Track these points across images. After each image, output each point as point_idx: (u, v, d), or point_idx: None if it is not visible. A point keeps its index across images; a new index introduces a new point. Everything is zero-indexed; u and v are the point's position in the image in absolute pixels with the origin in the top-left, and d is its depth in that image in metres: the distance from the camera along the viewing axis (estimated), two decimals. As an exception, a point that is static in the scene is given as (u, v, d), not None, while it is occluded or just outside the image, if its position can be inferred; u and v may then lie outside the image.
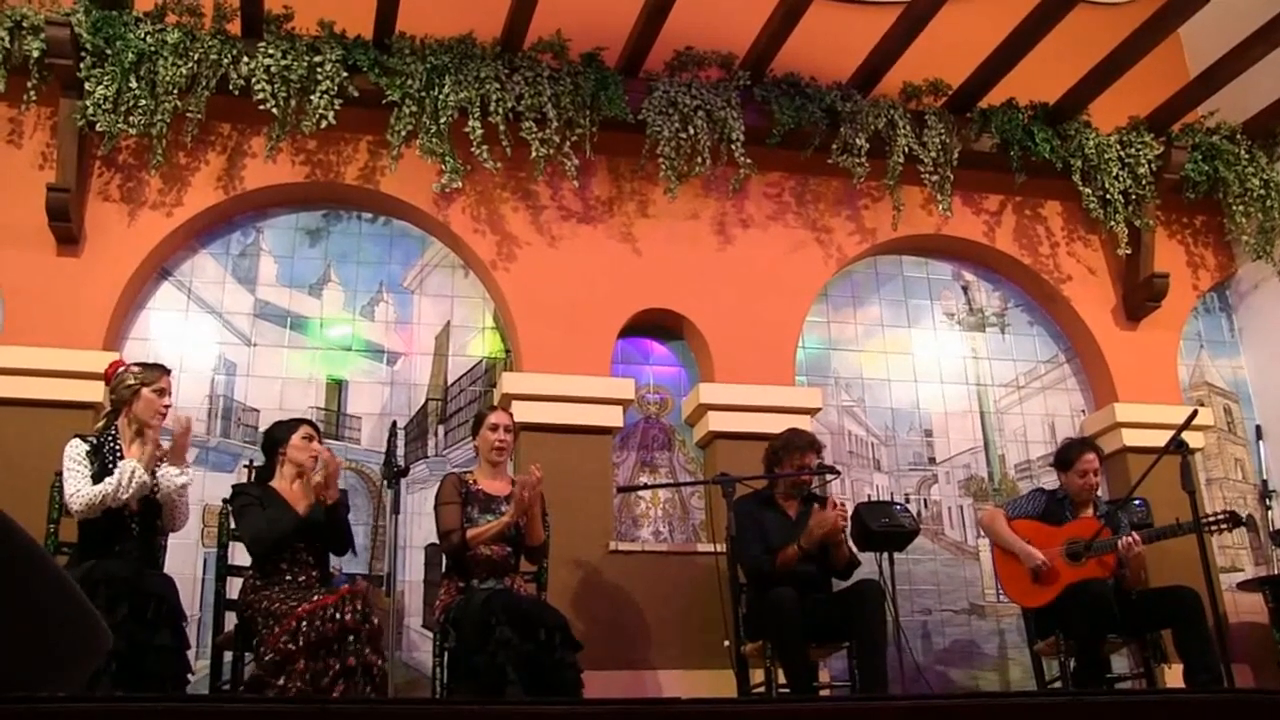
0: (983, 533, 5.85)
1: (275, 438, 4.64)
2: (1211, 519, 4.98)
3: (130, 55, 5.48)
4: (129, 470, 4.08)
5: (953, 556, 6.34)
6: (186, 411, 5.54)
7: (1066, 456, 5.33)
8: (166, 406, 4.33)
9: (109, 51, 5.49)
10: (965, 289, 6.95)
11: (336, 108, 5.64)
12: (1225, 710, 1.74)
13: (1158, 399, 6.56)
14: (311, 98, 5.63)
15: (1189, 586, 4.90)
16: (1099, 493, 5.44)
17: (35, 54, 5.40)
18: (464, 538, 4.58)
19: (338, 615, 3.98)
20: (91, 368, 5.10)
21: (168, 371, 4.42)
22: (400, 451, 4.82)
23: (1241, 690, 4.66)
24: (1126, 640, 5.22)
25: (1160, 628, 5.07)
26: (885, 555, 4.96)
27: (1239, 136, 6.79)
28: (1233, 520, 4.97)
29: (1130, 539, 4.96)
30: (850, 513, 5.08)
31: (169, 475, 4.25)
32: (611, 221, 6.26)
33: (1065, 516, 5.23)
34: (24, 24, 5.45)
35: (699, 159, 6.02)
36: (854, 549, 4.99)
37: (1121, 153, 6.60)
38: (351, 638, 3.97)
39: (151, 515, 4.25)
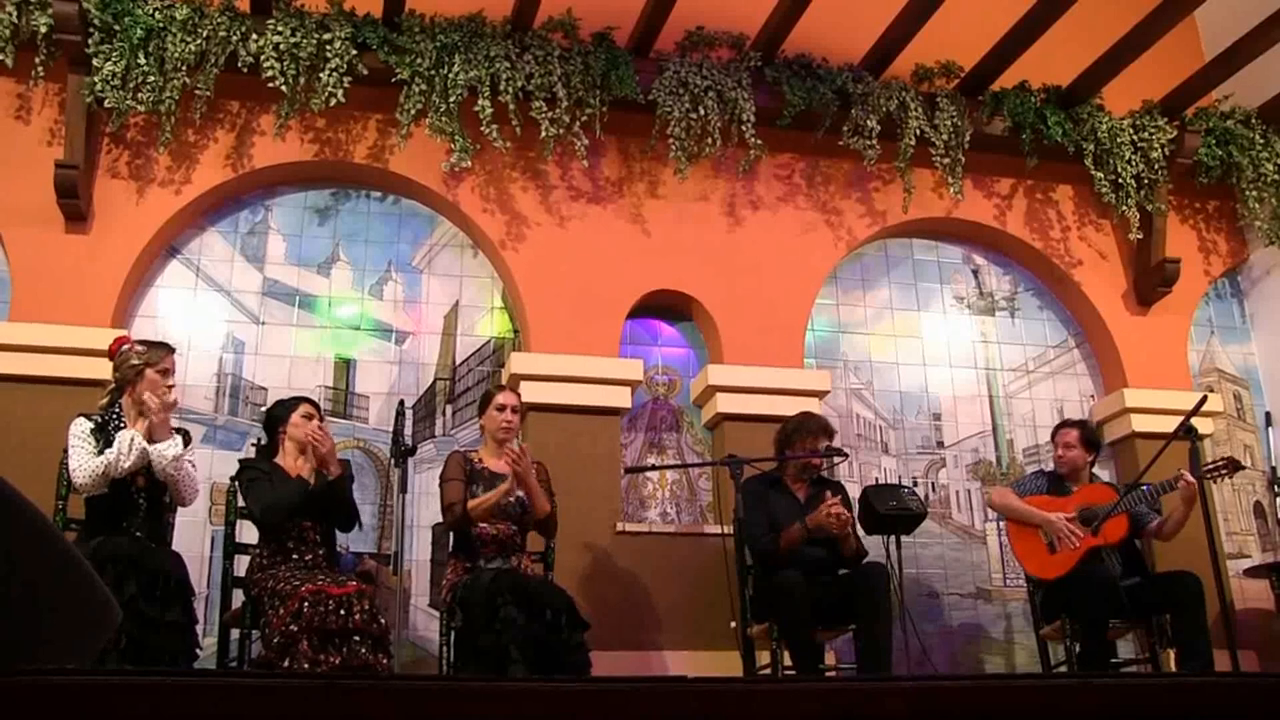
0: (993, 513, 5.86)
1: (275, 416, 4.64)
2: (1211, 465, 4.99)
3: (139, 31, 5.46)
4: (128, 439, 4.07)
5: (960, 540, 6.34)
6: (195, 389, 5.57)
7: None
8: (170, 387, 4.32)
9: (117, 28, 5.47)
10: (975, 273, 6.92)
11: (346, 86, 5.61)
12: (1229, 693, 1.73)
13: (1167, 384, 6.53)
14: (321, 76, 5.61)
15: (1192, 572, 4.90)
16: (1108, 478, 5.43)
17: (43, 29, 5.38)
18: (465, 510, 4.58)
19: (343, 613, 3.99)
20: (100, 345, 5.04)
21: (172, 350, 4.39)
22: (408, 431, 4.83)
23: (1245, 674, 4.67)
24: (1132, 625, 5.23)
25: (1163, 612, 5.08)
26: (893, 538, 4.94)
27: (1254, 121, 6.74)
28: (1231, 465, 4.98)
29: (1188, 478, 4.89)
30: (858, 497, 5.08)
31: (158, 450, 4.19)
32: (621, 202, 6.24)
33: (1067, 490, 5.31)
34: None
35: (709, 140, 5.99)
36: (861, 540, 4.97)
37: (1134, 136, 6.56)
38: (358, 638, 3.99)
39: (158, 491, 4.23)
